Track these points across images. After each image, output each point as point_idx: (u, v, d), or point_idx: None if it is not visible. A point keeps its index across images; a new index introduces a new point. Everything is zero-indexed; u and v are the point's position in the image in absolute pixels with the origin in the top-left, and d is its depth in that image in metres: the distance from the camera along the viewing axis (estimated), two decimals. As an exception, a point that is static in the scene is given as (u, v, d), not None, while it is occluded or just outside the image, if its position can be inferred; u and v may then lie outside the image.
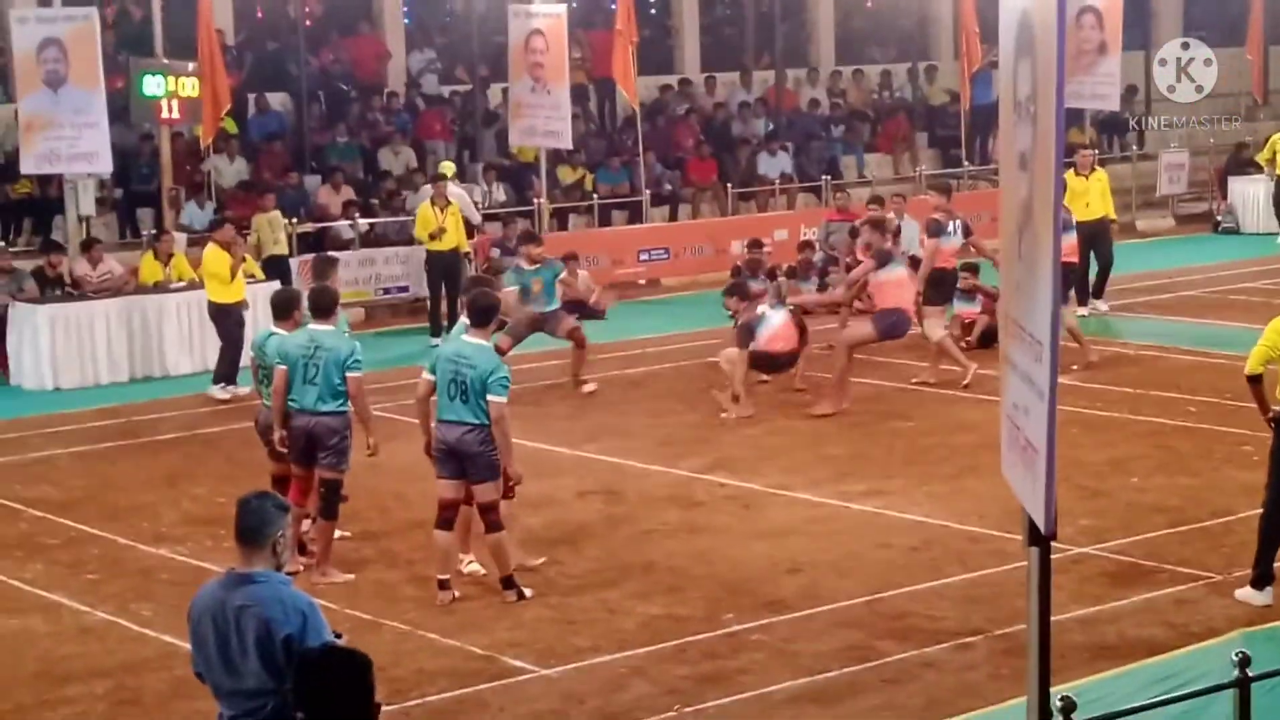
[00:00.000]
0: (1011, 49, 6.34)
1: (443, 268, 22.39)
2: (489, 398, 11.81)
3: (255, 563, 6.84)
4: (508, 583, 12.18)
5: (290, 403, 12.72)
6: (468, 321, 12.28)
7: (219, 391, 19.17)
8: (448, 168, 24.42)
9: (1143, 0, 35.99)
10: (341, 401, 12.65)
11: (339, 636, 6.88)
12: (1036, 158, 5.95)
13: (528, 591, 12.17)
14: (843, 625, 11.51)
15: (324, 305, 12.98)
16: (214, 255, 19.37)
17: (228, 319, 19.35)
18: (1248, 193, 28.52)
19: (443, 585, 12.19)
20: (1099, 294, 22.07)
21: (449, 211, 22.33)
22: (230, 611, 6.78)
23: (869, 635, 11.31)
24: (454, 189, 23.98)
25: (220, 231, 19.82)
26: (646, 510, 14.48)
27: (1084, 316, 21.25)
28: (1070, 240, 18.29)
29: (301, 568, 12.64)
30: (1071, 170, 22.05)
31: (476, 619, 11.84)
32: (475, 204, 25.10)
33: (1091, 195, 22.05)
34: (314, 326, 12.87)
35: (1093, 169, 22.38)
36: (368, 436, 12.75)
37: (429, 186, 23.38)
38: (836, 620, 11.62)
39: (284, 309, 13.36)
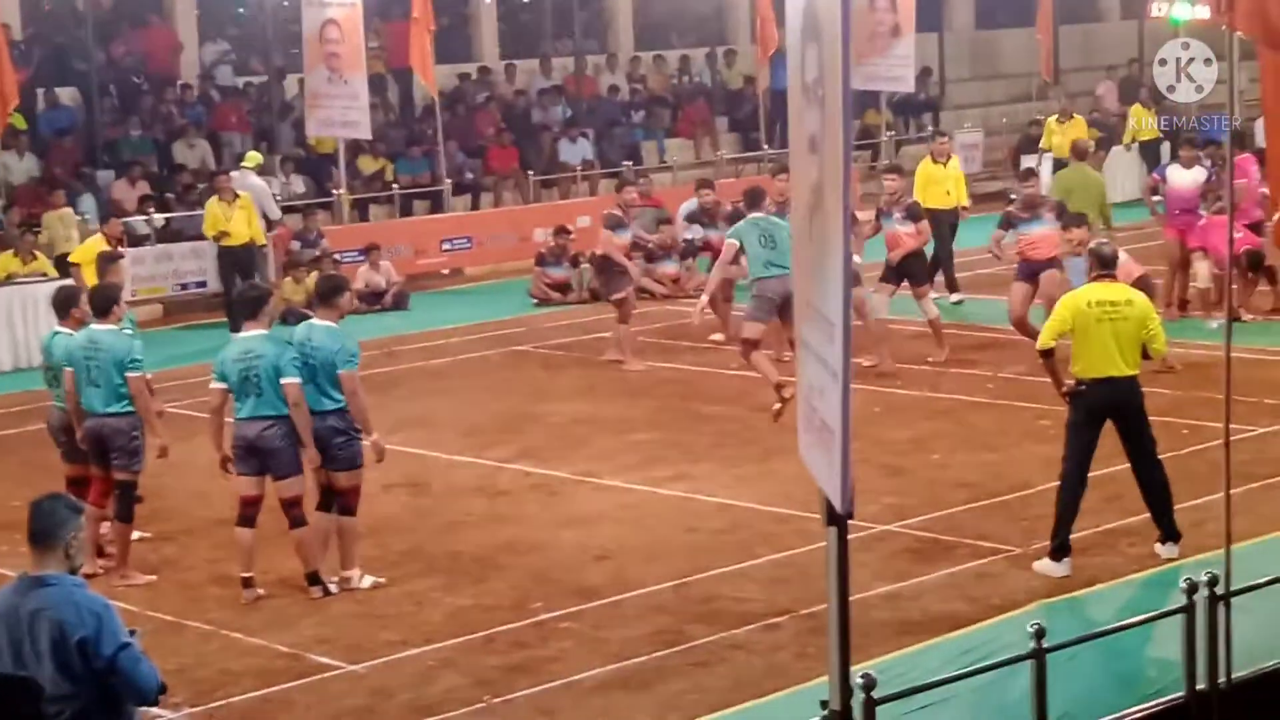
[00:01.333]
0: (798, 34, 6.36)
1: (233, 262, 22.18)
2: (339, 371, 11.98)
3: (48, 565, 6.72)
4: (313, 579, 12.05)
5: (81, 404, 12.52)
6: (313, 306, 12.60)
7: None
8: (252, 158, 24.13)
9: (935, -18, 36.55)
10: (126, 402, 12.43)
11: (134, 633, 6.77)
12: (826, 141, 5.98)
13: (332, 587, 12.05)
14: (651, 610, 11.54)
15: (103, 304, 12.72)
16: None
17: None
18: (1041, 172, 28.99)
19: (246, 583, 12.04)
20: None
21: (237, 205, 22.17)
22: (24, 616, 6.67)
23: (677, 619, 11.35)
24: (254, 180, 23.70)
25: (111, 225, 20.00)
26: (452, 501, 14.42)
27: (957, 303, 21.58)
28: (916, 227, 18.47)
29: (101, 570, 12.42)
30: (929, 158, 22.40)
31: (282, 617, 11.71)
32: (274, 196, 24.78)
33: (950, 183, 22.35)
34: (94, 326, 12.62)
35: (949, 157, 22.64)
36: (154, 437, 12.56)
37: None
38: (645, 605, 11.64)
39: (63, 307, 13.12)
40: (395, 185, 27.40)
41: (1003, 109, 35.91)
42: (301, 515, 11.97)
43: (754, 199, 16.89)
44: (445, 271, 26.69)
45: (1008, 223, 18.27)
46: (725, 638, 10.94)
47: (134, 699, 6.80)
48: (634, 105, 32.30)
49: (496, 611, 11.60)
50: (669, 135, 32.01)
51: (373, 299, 23.86)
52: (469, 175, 28.63)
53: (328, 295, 12.40)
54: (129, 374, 12.39)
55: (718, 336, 19.52)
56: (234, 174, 23.88)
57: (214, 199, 22.60)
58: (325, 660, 10.89)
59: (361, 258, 24.58)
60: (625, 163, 29.29)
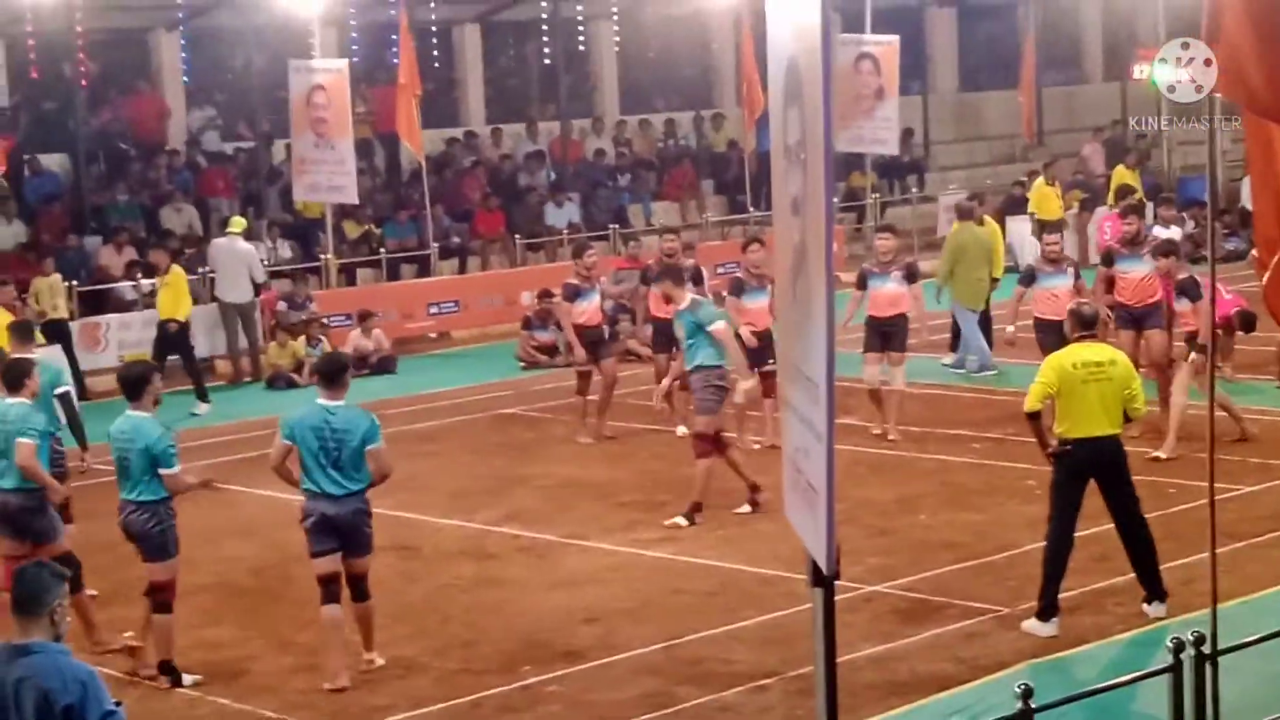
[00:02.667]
0: (780, 96, 6.42)
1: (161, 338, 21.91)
2: (161, 470, 11.46)
3: (33, 633, 6.72)
4: (165, 667, 11.62)
5: None
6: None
7: None
8: (237, 223, 24.15)
9: (919, 46, 36.79)
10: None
11: (119, 705, 6.75)
12: (809, 202, 6.02)
13: (187, 679, 11.62)
14: (640, 673, 11.53)
15: (12, 377, 12.35)
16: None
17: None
18: (1024, 233, 29.13)
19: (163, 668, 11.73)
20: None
21: (164, 282, 21.74)
22: (8, 684, 6.65)
23: (667, 682, 11.33)
24: (241, 245, 23.75)
25: (1, 292, 19.50)
26: (441, 564, 14.41)
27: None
28: (911, 290, 17.89)
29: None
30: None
31: (268, 681, 11.68)
32: (262, 261, 24.80)
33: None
34: (6, 400, 12.26)
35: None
36: (54, 496, 12.22)
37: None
38: (634, 668, 11.63)
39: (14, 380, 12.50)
40: (382, 250, 27.45)
41: (987, 170, 36.08)
42: (166, 601, 11.61)
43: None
44: (433, 335, 26.72)
45: (1029, 278, 18.15)
46: (714, 700, 10.93)
47: None
48: (620, 169, 32.45)
49: (485, 675, 11.58)
50: (655, 198, 32.14)
51: (360, 364, 23.86)
52: (455, 239, 28.71)
53: (334, 375, 12.00)
54: (18, 440, 11.94)
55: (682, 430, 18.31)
56: (220, 240, 23.95)
57: (40, 279, 22.08)
58: (311, 726, 10.87)
59: (349, 322, 24.65)
60: (611, 226, 29.40)
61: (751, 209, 30.98)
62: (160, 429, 11.55)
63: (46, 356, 15.26)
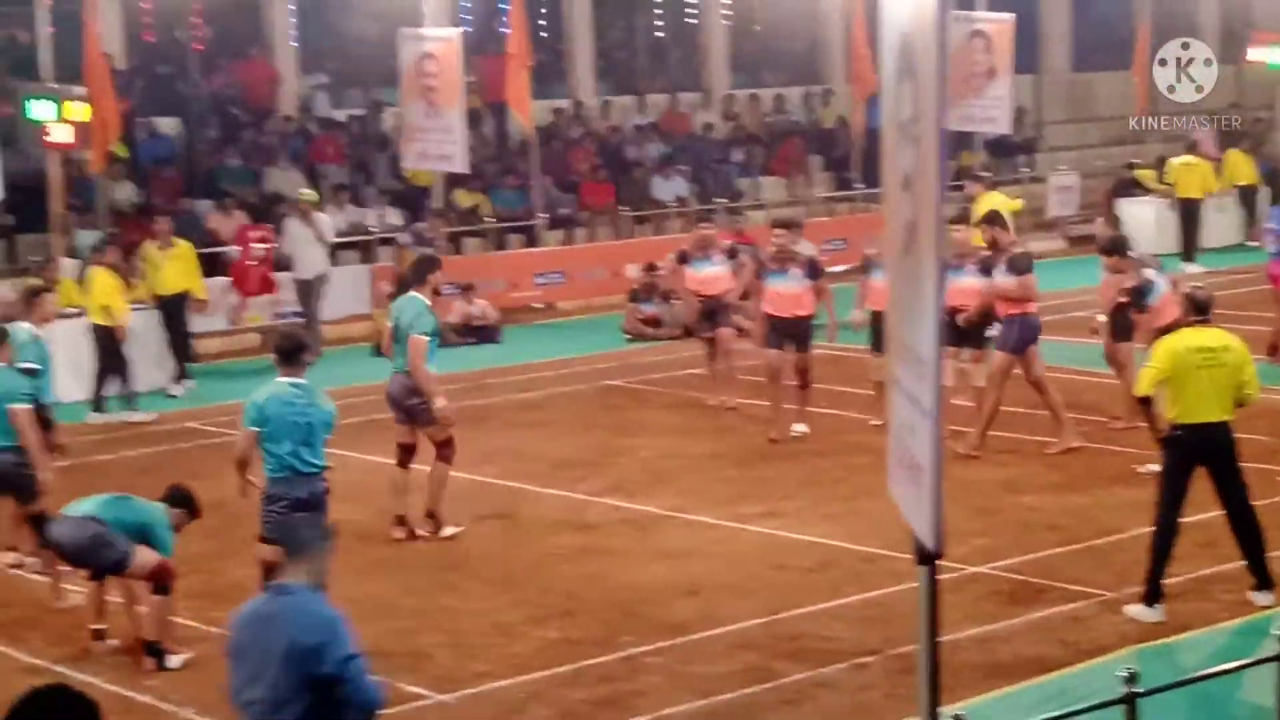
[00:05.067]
0: (893, 72, 6.38)
1: (164, 311, 21.50)
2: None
3: (292, 575, 7.30)
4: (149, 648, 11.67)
5: None
6: None
7: (97, 418, 19.16)
8: (308, 194, 24.01)
9: (1032, 24, 36.41)
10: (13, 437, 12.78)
11: (359, 654, 7.15)
12: (919, 179, 5.99)
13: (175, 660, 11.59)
14: (740, 647, 11.53)
15: None
16: (102, 278, 19.31)
17: (113, 342, 19.25)
18: (1135, 214, 28.85)
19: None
20: None
21: (171, 253, 21.38)
22: (263, 622, 7.24)
23: (766, 656, 11.33)
24: (317, 213, 23.63)
25: (108, 254, 19.75)
26: (542, 534, 14.46)
27: None
28: (1019, 281, 16.57)
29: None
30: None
31: (372, 645, 11.73)
32: (370, 229, 24.91)
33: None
34: None
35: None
36: (40, 470, 12.79)
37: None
38: (734, 642, 11.64)
39: None
40: (490, 219, 27.53)
41: (1097, 151, 35.70)
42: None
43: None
44: (538, 306, 26.80)
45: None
46: (813, 676, 10.93)
47: (359, 709, 7.14)
48: (728, 143, 32.36)
49: (584, 645, 11.63)
50: (763, 173, 32.03)
51: (466, 332, 24.01)
52: (563, 210, 28.75)
53: (292, 353, 11.97)
54: (9, 405, 12.70)
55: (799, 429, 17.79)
56: (293, 219, 23.70)
57: (149, 243, 21.72)
58: (415, 689, 10.94)
59: (455, 291, 24.75)
60: (718, 200, 29.35)
61: (859, 186, 30.83)
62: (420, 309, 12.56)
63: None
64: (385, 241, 26.16)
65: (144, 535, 11.43)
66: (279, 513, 11.45)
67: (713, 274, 19.10)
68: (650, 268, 24.75)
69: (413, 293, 14.48)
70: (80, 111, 21.97)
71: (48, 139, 22.19)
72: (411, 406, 14.38)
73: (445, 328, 23.81)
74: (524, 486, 15.92)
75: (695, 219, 22.46)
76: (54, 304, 15.98)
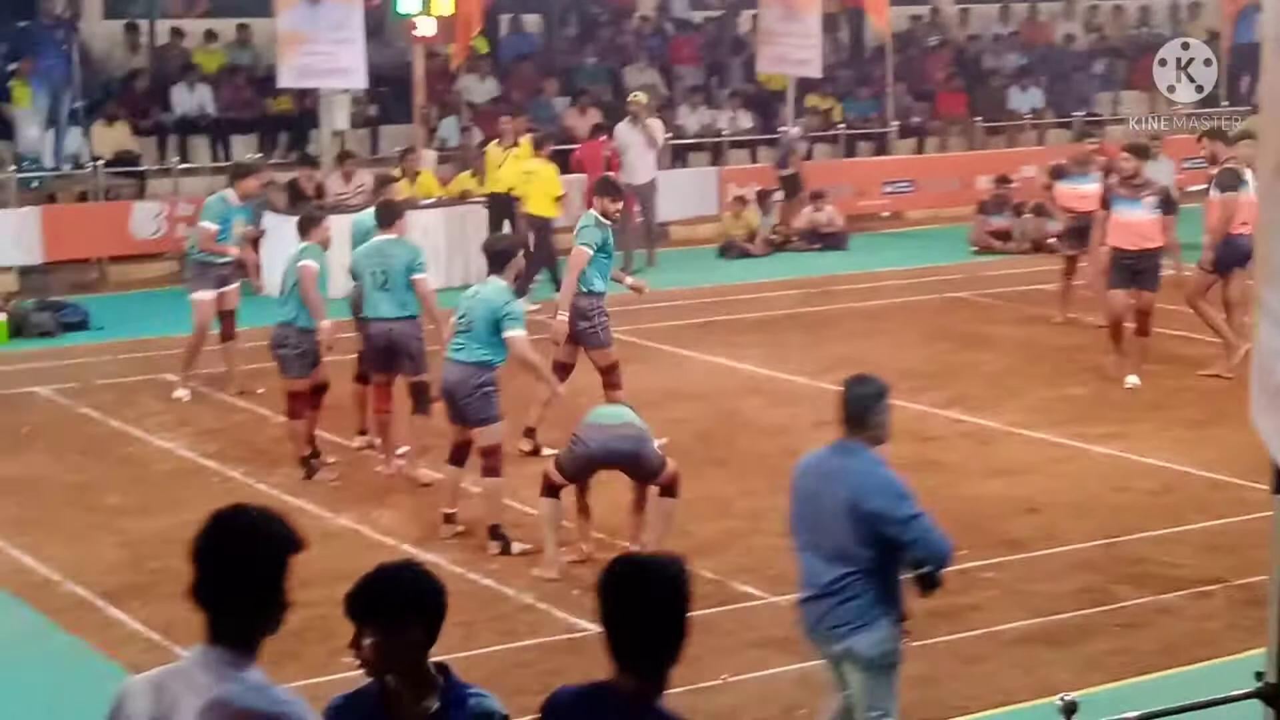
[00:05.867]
0: (1279, -17, 6.12)
1: (496, 209, 21.24)
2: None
3: (856, 438, 7.61)
4: (495, 532, 11.84)
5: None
6: None
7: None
8: (640, 97, 23.72)
9: None
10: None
11: (921, 513, 7.46)
12: (1302, 97, 5.75)
13: (515, 547, 11.77)
14: (1079, 567, 11.38)
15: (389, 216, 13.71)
16: (546, 172, 19.95)
17: (547, 234, 20.05)
18: None
19: (447, 519, 12.14)
20: None
21: (512, 153, 21.16)
22: (827, 476, 7.59)
23: (1105, 579, 11.16)
24: (650, 118, 23.34)
25: (545, 148, 20.43)
26: (881, 443, 14.38)
27: None
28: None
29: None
30: None
31: (707, 544, 11.88)
32: (721, 131, 24.95)
33: None
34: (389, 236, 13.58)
35: None
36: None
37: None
38: (1072, 562, 11.48)
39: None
40: (841, 125, 27.40)
41: None
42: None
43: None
44: (885, 215, 26.63)
45: None
46: (1154, 601, 10.73)
47: (932, 561, 7.48)
48: (1089, 54, 31.59)
49: (919, 555, 11.57)
50: (1124, 87, 31.21)
51: (813, 238, 23.97)
52: (916, 119, 28.44)
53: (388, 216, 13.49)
54: (414, 277, 13.20)
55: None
56: (621, 124, 23.51)
57: (494, 143, 21.88)
58: (748, 589, 11.05)
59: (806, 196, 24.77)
60: (1076, 113, 28.71)
61: (1225, 103, 29.84)
62: (508, 296, 11.88)
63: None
64: (736, 145, 26.22)
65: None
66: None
67: (1090, 190, 18.11)
68: (1002, 180, 24.38)
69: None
70: (445, 5, 22.41)
71: (415, 33, 22.68)
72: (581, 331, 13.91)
73: (784, 232, 23.85)
74: (865, 395, 15.84)
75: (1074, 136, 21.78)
76: (397, 195, 16.29)
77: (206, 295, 15.99)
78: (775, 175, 24.75)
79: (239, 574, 4.49)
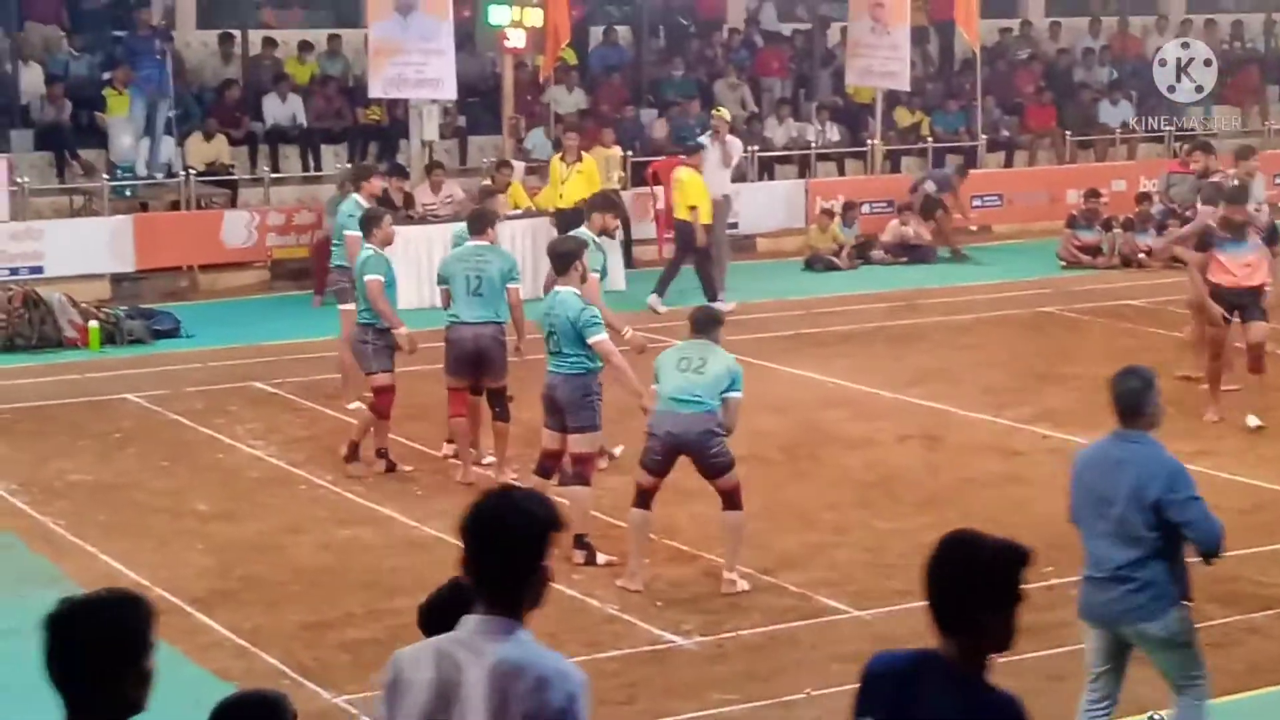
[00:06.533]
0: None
1: (564, 224, 21.13)
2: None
3: (1135, 426, 7.97)
4: (579, 541, 11.72)
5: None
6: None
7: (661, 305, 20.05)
8: (722, 113, 23.53)
9: None
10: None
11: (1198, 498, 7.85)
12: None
13: (600, 558, 11.71)
14: (1165, 585, 11.26)
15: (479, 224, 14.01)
16: (693, 180, 20.17)
17: (692, 238, 20.17)
18: None
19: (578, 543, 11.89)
20: None
21: (576, 168, 21.08)
22: (1113, 464, 7.98)
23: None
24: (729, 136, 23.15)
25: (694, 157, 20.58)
26: (966, 457, 14.35)
27: None
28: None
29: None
30: None
31: (789, 558, 11.87)
32: (809, 143, 24.90)
33: None
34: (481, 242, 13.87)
35: None
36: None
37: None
38: (1159, 580, 11.36)
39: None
40: (929, 139, 27.30)
41: None
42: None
43: None
44: (973, 228, 26.48)
45: None
46: (1243, 620, 10.65)
47: (1202, 544, 7.94)
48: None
49: (1005, 572, 11.49)
50: (1216, 101, 30.92)
51: (899, 251, 23.90)
52: (1005, 132, 28.30)
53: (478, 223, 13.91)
54: (509, 286, 13.48)
55: None
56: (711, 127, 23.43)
57: (556, 157, 21.75)
58: (832, 603, 11.03)
59: (889, 209, 24.70)
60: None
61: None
62: (582, 303, 11.86)
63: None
64: (823, 157, 26.18)
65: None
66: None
67: (1254, 257, 17.43)
68: (1092, 194, 24.22)
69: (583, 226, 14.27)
70: (535, 17, 22.49)
71: (506, 44, 22.78)
72: None
73: (877, 245, 23.79)
74: (950, 409, 15.81)
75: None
76: (502, 208, 16.44)
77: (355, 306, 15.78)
78: (922, 193, 24.64)
79: (503, 551, 4.75)
